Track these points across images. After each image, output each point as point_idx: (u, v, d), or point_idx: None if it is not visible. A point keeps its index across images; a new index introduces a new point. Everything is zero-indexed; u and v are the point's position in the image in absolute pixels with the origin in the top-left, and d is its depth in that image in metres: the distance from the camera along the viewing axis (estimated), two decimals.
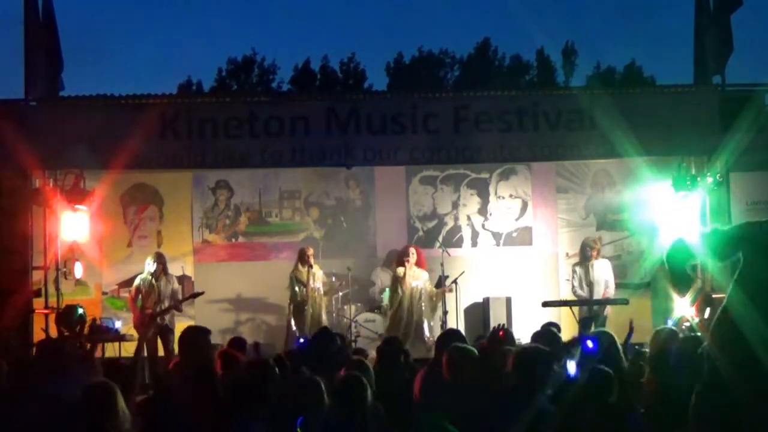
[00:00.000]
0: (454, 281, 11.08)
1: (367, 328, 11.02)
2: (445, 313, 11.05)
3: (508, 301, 11.15)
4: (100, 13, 49.98)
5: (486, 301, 11.31)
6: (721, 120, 9.76)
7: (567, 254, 11.89)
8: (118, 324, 10.13)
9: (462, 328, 10.61)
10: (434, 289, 11.10)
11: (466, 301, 11.50)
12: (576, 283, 10.47)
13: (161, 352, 10.08)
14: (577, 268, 10.54)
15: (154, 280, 10.23)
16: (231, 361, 6.02)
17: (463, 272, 11.16)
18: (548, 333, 6.41)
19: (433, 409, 5.53)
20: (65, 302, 9.93)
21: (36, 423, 4.75)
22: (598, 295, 10.27)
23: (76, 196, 10.01)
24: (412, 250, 11.07)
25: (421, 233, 12.17)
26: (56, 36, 10.48)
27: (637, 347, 6.32)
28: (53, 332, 9.56)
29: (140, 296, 10.21)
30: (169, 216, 12.07)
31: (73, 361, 5.47)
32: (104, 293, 11.76)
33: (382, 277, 11.73)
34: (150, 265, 10.28)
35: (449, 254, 11.44)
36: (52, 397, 4.87)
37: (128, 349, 10.00)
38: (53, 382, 4.98)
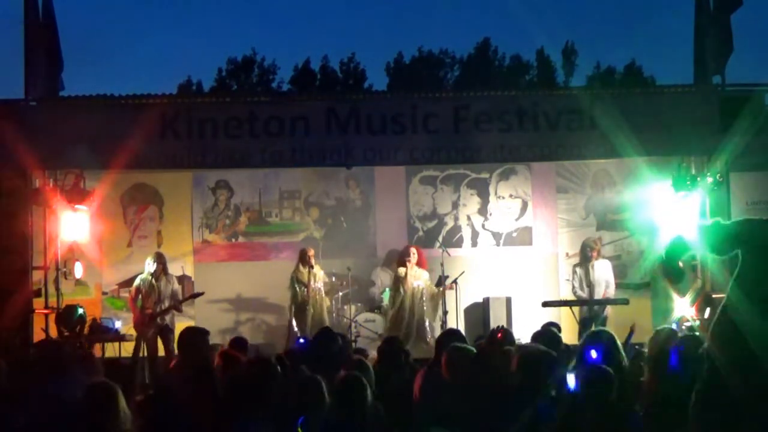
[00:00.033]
0: (454, 281, 11.08)
1: (367, 328, 11.02)
2: (445, 313, 11.05)
3: (508, 301, 11.15)
4: (100, 13, 50.00)
5: (486, 301, 11.31)
6: (721, 120, 9.76)
7: (567, 254, 11.89)
8: (118, 324, 10.14)
9: (462, 328, 10.60)
10: (435, 288, 11.10)
11: (466, 301, 11.50)
12: (576, 284, 10.46)
13: (161, 352, 10.08)
14: (578, 269, 10.54)
15: (154, 281, 10.22)
16: (232, 361, 6.01)
17: (463, 272, 11.16)
18: (549, 333, 6.41)
19: (432, 409, 5.54)
20: (65, 302, 9.94)
21: (36, 423, 4.75)
22: (598, 295, 10.27)
23: (76, 196, 10.01)
24: (413, 250, 11.07)
25: (421, 233, 12.16)
26: (56, 36, 10.48)
27: (637, 347, 6.32)
28: (53, 332, 9.58)
29: (140, 296, 10.21)
30: (169, 216, 12.07)
31: (73, 361, 5.47)
32: (104, 293, 11.76)
33: (382, 277, 11.73)
34: (150, 266, 10.27)
35: (449, 254, 11.44)
36: (51, 397, 4.87)
37: (128, 349, 10.04)
38: (53, 382, 4.98)
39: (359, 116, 10.01)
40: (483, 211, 12.22)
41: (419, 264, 11.02)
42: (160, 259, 10.37)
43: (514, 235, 12.20)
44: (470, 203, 12.23)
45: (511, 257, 12.04)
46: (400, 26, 49.76)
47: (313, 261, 10.93)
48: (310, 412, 4.82)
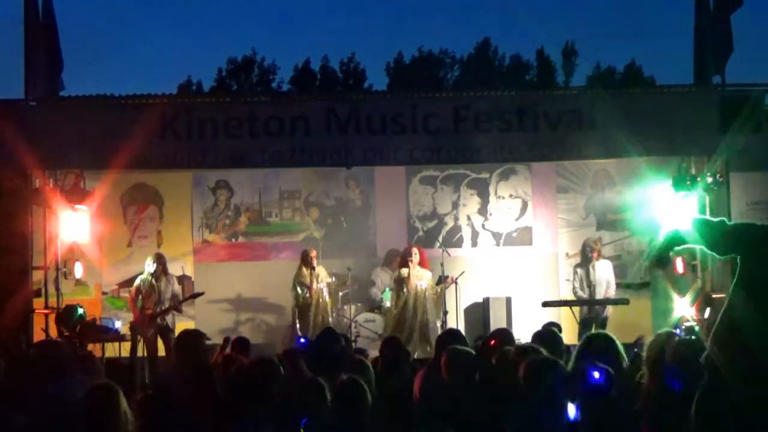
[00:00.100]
0: (455, 281, 11.07)
1: (367, 328, 11.02)
2: (445, 313, 11.05)
3: (508, 301, 11.14)
4: (100, 13, 49.98)
5: (486, 301, 11.31)
6: (721, 120, 9.76)
7: (567, 254, 11.90)
8: (118, 324, 10.13)
9: (462, 328, 10.61)
10: (438, 287, 11.06)
11: (466, 301, 11.49)
12: (577, 284, 10.45)
13: (161, 352, 10.08)
14: (578, 269, 10.53)
15: (154, 281, 10.22)
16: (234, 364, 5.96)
17: (463, 272, 11.15)
18: (549, 333, 6.38)
19: (432, 409, 5.54)
20: (65, 302, 9.93)
21: (36, 423, 4.75)
22: (599, 295, 10.26)
23: (76, 196, 10.00)
24: (415, 250, 11.04)
25: (421, 233, 12.17)
26: (56, 36, 10.48)
27: (636, 350, 6.30)
28: (53, 332, 9.58)
29: (140, 297, 10.21)
30: (169, 216, 12.07)
31: (72, 361, 5.46)
32: (104, 293, 11.77)
33: (382, 277, 11.73)
34: (150, 266, 10.27)
35: (449, 254, 11.44)
36: (51, 397, 4.87)
37: (128, 349, 10.02)
38: (52, 382, 4.98)
39: (359, 116, 10.01)
40: (483, 211, 12.23)
41: (421, 264, 11.00)
42: (160, 259, 10.37)
43: (514, 235, 12.20)
44: (470, 203, 12.24)
45: (511, 257, 12.05)
46: (400, 26, 49.81)
47: (315, 262, 10.92)
48: (311, 414, 4.81)
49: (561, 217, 12.13)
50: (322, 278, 10.94)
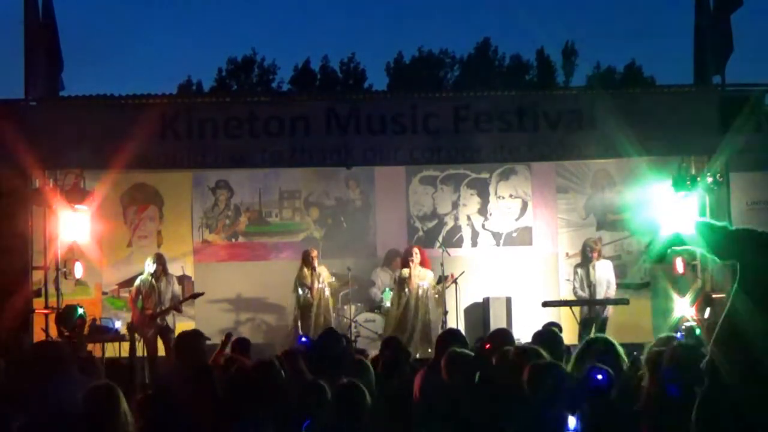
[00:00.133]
0: (455, 281, 11.07)
1: (367, 328, 11.02)
2: (445, 313, 11.04)
3: (508, 301, 11.14)
4: (100, 13, 49.99)
5: (486, 301, 11.30)
6: (721, 120, 9.75)
7: (567, 254, 11.90)
8: (118, 324, 10.14)
9: (462, 328, 10.61)
10: (438, 286, 11.05)
11: (466, 301, 11.49)
12: (577, 284, 10.45)
13: (161, 352, 10.08)
14: (579, 269, 10.53)
15: (154, 281, 10.22)
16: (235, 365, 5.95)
17: (463, 272, 11.15)
18: (550, 333, 6.38)
19: (432, 409, 5.54)
20: (65, 302, 9.93)
21: (35, 423, 4.74)
22: (600, 295, 10.26)
23: (76, 196, 10.00)
24: (416, 250, 11.03)
25: (421, 233, 12.16)
26: (56, 36, 10.48)
27: (635, 353, 6.29)
28: (53, 332, 9.58)
29: (140, 297, 10.21)
30: (169, 216, 12.07)
31: (72, 362, 5.46)
32: (104, 293, 11.77)
33: (382, 277, 11.72)
34: (150, 266, 10.27)
35: (449, 254, 11.44)
36: (51, 398, 4.86)
37: (128, 349, 10.02)
38: (52, 382, 4.97)
39: (359, 116, 10.00)
40: (483, 211, 12.23)
41: (422, 264, 10.99)
42: (160, 259, 10.37)
43: (514, 235, 12.20)
44: (470, 203, 12.24)
45: (511, 257, 12.04)
46: (400, 26, 49.81)
47: (316, 262, 10.89)
48: (313, 416, 4.81)
49: (561, 217, 12.12)
50: (323, 278, 10.92)
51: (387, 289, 11.35)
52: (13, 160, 9.43)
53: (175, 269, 11.01)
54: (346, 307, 11.22)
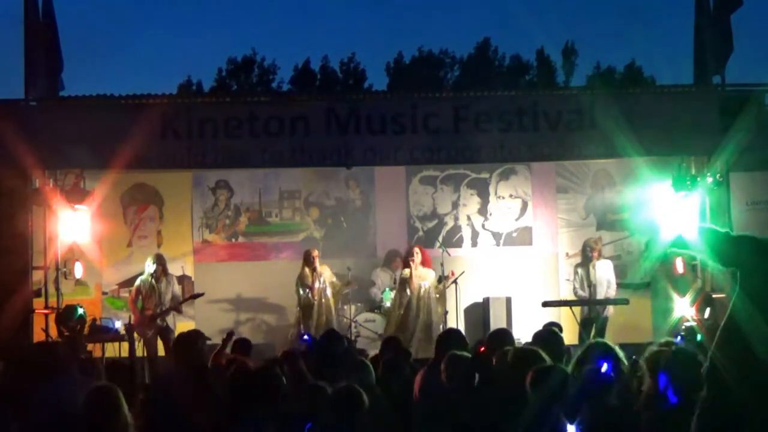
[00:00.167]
0: (455, 281, 11.07)
1: (367, 328, 11.02)
2: (445, 313, 11.05)
3: (508, 301, 11.14)
4: (99, 13, 49.95)
5: (486, 301, 11.30)
6: (721, 120, 9.76)
7: (567, 254, 11.90)
8: (118, 324, 10.14)
9: (462, 328, 10.61)
10: (440, 285, 11.04)
11: (466, 301, 11.49)
12: (577, 284, 10.45)
13: (161, 353, 10.08)
14: (579, 269, 10.52)
15: (154, 282, 10.22)
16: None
17: (463, 272, 11.15)
18: (550, 334, 6.37)
19: (433, 408, 5.54)
20: (65, 302, 9.93)
21: (35, 424, 4.74)
22: (600, 295, 10.25)
23: (76, 196, 10.00)
24: (417, 250, 11.02)
25: (421, 233, 12.16)
26: (56, 36, 10.48)
27: (634, 357, 6.29)
28: (53, 332, 9.58)
29: (140, 298, 10.21)
30: (169, 216, 12.07)
31: (71, 362, 5.46)
32: (104, 293, 11.76)
33: (382, 277, 11.72)
34: (150, 267, 10.27)
35: (449, 254, 11.44)
36: (50, 398, 4.86)
37: (128, 349, 10.01)
38: (51, 383, 4.97)
39: (359, 116, 10.01)
40: (483, 211, 12.23)
41: (423, 263, 10.99)
42: (160, 260, 10.37)
43: (514, 235, 12.20)
44: (470, 203, 12.24)
45: (511, 257, 12.04)
46: (400, 26, 49.74)
47: (317, 262, 10.87)
48: (314, 418, 4.81)
49: (561, 217, 12.13)
50: (325, 278, 10.89)
51: (387, 289, 11.35)
52: (13, 160, 9.43)
53: (175, 269, 11.01)
54: (346, 307, 11.22)
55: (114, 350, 9.86)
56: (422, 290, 10.84)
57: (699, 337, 7.27)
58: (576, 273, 10.53)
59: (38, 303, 9.99)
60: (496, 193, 12.23)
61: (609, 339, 7.65)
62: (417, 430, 5.64)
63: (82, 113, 10.01)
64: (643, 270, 10.79)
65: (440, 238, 11.89)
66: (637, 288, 10.98)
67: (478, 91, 11.03)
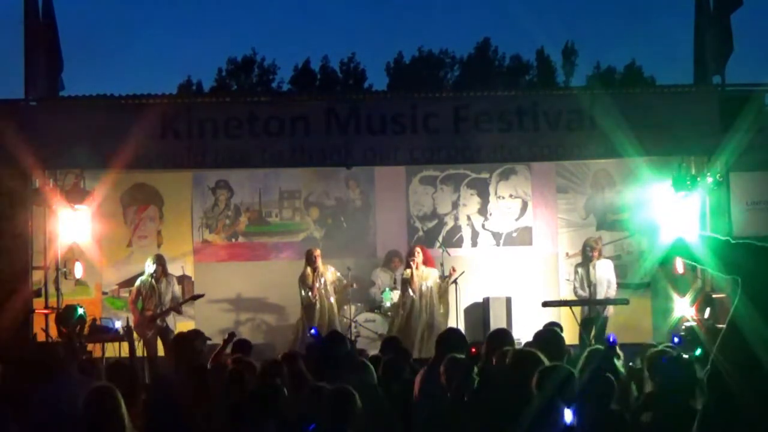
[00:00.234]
0: (454, 281, 11.07)
1: (367, 328, 11.01)
2: (447, 312, 11.04)
3: (508, 301, 11.13)
4: (99, 12, 49.95)
5: (486, 301, 11.29)
6: (721, 120, 9.76)
7: (567, 254, 11.90)
8: (118, 324, 10.12)
9: (462, 328, 10.58)
10: (443, 283, 11.01)
11: (466, 301, 11.48)
12: (578, 284, 10.44)
13: (161, 353, 10.07)
14: (579, 269, 10.51)
15: (154, 282, 10.21)
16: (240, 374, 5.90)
17: (463, 272, 11.14)
18: (550, 333, 6.37)
19: (432, 409, 5.53)
20: (65, 302, 9.93)
21: (35, 424, 4.74)
22: (600, 295, 10.24)
23: (76, 196, 10.00)
24: (418, 249, 10.98)
25: (421, 233, 12.16)
26: (56, 36, 10.48)
27: (631, 364, 6.28)
28: (53, 332, 9.58)
29: (140, 298, 10.20)
30: (169, 216, 12.07)
31: (70, 363, 5.46)
32: (104, 293, 11.77)
33: (382, 277, 11.72)
34: (150, 267, 10.26)
35: (449, 254, 11.44)
36: (50, 399, 4.86)
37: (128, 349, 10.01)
38: (51, 383, 4.97)
39: (359, 116, 10.00)
40: (483, 211, 12.22)
41: (425, 263, 10.96)
42: (159, 261, 10.36)
43: (514, 235, 12.20)
44: (470, 203, 12.23)
45: (511, 257, 12.04)
46: (400, 26, 49.72)
47: (319, 262, 10.84)
48: (316, 420, 4.80)
49: (561, 217, 12.12)
50: (327, 278, 10.86)
51: (387, 289, 11.34)
52: (13, 160, 9.44)
53: (175, 269, 11.00)
54: (346, 307, 11.21)
55: (114, 350, 9.85)
56: (424, 289, 10.82)
57: (698, 351, 7.20)
58: (576, 273, 10.53)
59: (38, 303, 9.99)
60: (496, 193, 12.23)
61: None
62: (417, 430, 5.63)
63: (82, 113, 10.01)
64: (643, 270, 10.81)
65: (440, 238, 11.89)
66: (637, 288, 10.98)
67: (478, 91, 11.03)
